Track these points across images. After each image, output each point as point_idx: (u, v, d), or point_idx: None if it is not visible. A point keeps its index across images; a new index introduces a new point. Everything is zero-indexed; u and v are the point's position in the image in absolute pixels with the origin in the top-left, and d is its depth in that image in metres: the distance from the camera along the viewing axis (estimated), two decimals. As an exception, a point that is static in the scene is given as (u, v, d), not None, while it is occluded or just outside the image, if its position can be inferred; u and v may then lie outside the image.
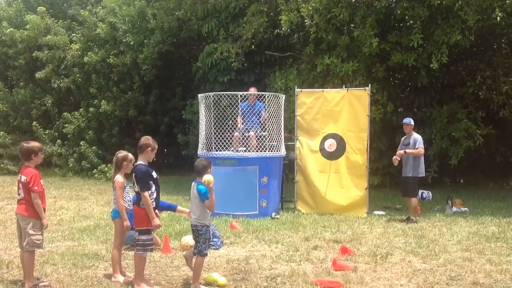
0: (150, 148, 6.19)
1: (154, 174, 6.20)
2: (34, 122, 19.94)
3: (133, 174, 6.16)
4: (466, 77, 15.31)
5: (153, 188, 6.11)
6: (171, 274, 6.75)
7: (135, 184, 6.09)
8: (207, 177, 6.04)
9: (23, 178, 6.07)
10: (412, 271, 6.83)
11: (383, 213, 11.48)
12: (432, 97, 15.69)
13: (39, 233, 6.14)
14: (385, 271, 6.89)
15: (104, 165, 18.00)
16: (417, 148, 10.43)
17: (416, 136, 10.59)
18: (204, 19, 17.49)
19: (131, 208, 6.49)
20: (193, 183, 6.26)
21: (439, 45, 13.02)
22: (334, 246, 8.23)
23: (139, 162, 6.16)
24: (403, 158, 10.62)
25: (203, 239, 6.09)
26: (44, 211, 6.17)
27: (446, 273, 6.75)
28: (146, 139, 6.23)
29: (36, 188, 6.04)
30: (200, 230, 6.08)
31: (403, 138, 10.89)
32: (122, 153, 6.56)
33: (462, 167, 15.59)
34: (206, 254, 6.16)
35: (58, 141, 20.00)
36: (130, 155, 6.59)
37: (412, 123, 10.75)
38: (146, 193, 5.96)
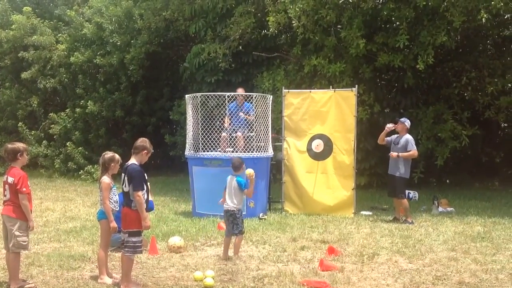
0: (146, 151, 6.22)
1: (145, 175, 6.18)
2: (19, 123, 19.83)
3: (124, 173, 6.11)
4: (452, 78, 15.43)
5: (145, 189, 6.09)
6: (158, 275, 6.73)
7: (126, 184, 6.05)
8: (250, 171, 7.56)
9: (10, 179, 6.03)
10: (399, 271, 6.87)
11: (370, 213, 11.53)
12: (418, 98, 15.79)
13: (25, 234, 6.10)
14: (372, 271, 6.92)
15: (90, 166, 17.92)
16: (409, 151, 10.42)
17: (408, 137, 10.53)
18: (192, 19, 17.45)
19: (117, 209, 6.47)
20: (230, 176, 7.75)
21: (425, 46, 13.10)
22: (321, 247, 8.26)
23: (132, 162, 6.13)
24: (395, 157, 10.59)
25: (241, 220, 7.60)
26: (31, 212, 6.13)
27: (432, 273, 6.80)
28: (144, 141, 6.26)
29: (24, 189, 6.00)
30: (238, 213, 7.57)
31: (395, 137, 10.82)
32: (108, 154, 6.53)
33: (448, 168, 15.71)
34: (244, 232, 7.70)
35: (44, 142, 19.88)
36: (117, 156, 6.56)
37: (407, 124, 10.70)
38: (140, 193, 5.94)
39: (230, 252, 7.64)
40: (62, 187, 16.04)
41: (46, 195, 14.12)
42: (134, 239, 6.02)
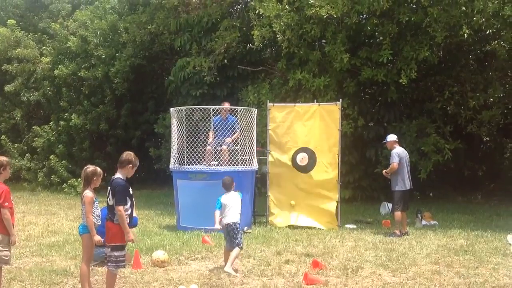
0: (131, 165, 6.14)
1: (130, 190, 6.14)
2: (2, 136, 19.71)
3: (109, 187, 6.06)
4: (435, 93, 15.59)
5: (129, 204, 6.04)
6: (141, 290, 6.68)
7: (110, 197, 6.01)
8: None
9: None
10: (382, 285, 6.89)
11: (354, 226, 11.54)
12: (401, 112, 15.93)
13: (7, 249, 6.02)
14: (356, 284, 6.93)
15: (74, 179, 17.78)
16: (391, 164, 10.62)
17: (393, 151, 10.70)
18: (177, 33, 17.51)
19: (99, 223, 6.42)
20: (233, 193, 7.96)
21: (408, 61, 13.27)
22: (306, 260, 8.25)
23: (117, 176, 6.08)
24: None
25: (240, 234, 7.69)
26: (13, 226, 6.06)
27: (415, 286, 6.83)
28: (129, 155, 6.16)
29: (6, 204, 5.93)
30: (239, 227, 7.73)
31: None
32: (90, 168, 6.46)
33: (431, 181, 15.81)
34: (241, 247, 7.71)
35: (27, 155, 19.74)
36: (99, 169, 6.51)
37: (390, 139, 10.91)
38: (122, 208, 5.88)
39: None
40: (45, 201, 15.88)
41: (29, 209, 13.97)
42: (116, 253, 5.97)
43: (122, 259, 6.02)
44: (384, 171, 10.97)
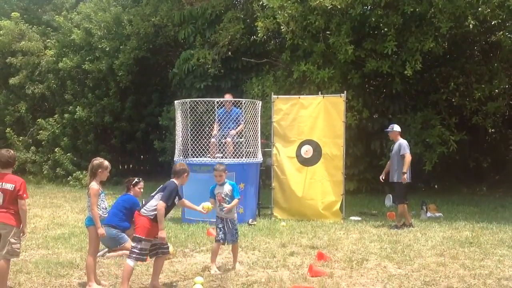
0: (186, 173, 6.66)
1: (177, 200, 6.51)
2: (7, 129, 19.73)
3: (165, 185, 6.47)
4: (440, 84, 15.55)
5: (168, 204, 6.31)
6: (146, 282, 6.68)
7: (157, 192, 6.40)
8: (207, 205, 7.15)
9: (9, 185, 5.93)
10: (387, 276, 6.88)
11: (359, 218, 11.54)
12: (406, 104, 15.89)
13: (19, 241, 6.04)
14: (361, 276, 6.93)
15: (79, 172, 17.84)
16: (402, 155, 10.39)
17: (401, 142, 10.54)
18: (181, 25, 17.49)
19: (106, 215, 6.45)
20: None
21: (413, 52, 13.22)
22: (311, 252, 8.26)
23: (174, 181, 6.51)
24: (392, 163, 10.60)
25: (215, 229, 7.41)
26: (22, 218, 6.10)
27: (420, 278, 6.82)
28: (182, 165, 6.77)
29: (25, 195, 5.97)
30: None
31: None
32: (97, 160, 6.48)
33: (436, 173, 15.79)
34: (216, 241, 7.26)
35: (32, 148, 19.80)
36: (106, 162, 6.52)
37: (395, 129, 10.72)
38: (163, 205, 6.17)
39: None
40: (50, 194, 15.93)
41: (34, 202, 14.01)
42: (133, 243, 6.20)
43: (135, 251, 6.10)
44: (402, 177, 10.33)
